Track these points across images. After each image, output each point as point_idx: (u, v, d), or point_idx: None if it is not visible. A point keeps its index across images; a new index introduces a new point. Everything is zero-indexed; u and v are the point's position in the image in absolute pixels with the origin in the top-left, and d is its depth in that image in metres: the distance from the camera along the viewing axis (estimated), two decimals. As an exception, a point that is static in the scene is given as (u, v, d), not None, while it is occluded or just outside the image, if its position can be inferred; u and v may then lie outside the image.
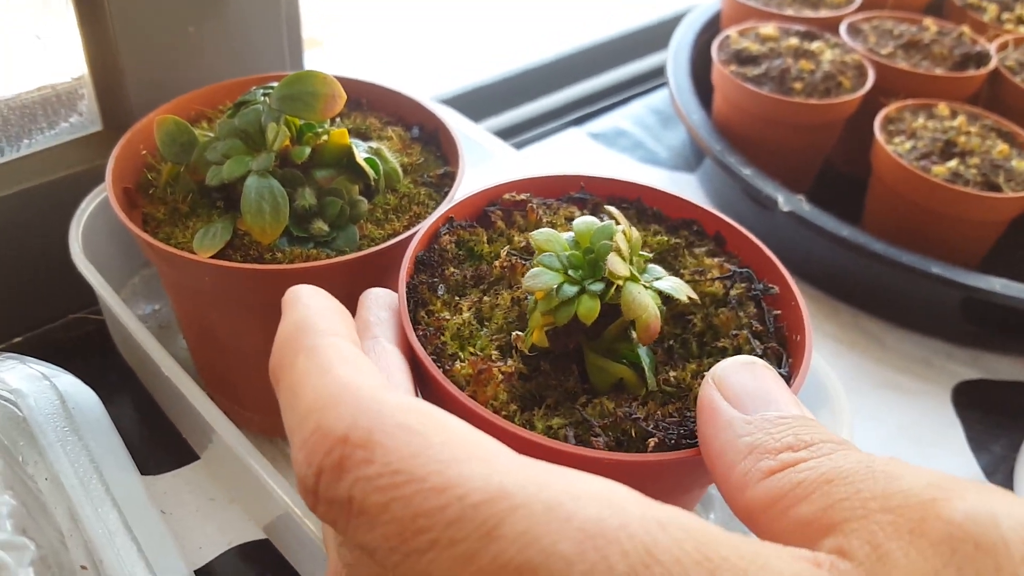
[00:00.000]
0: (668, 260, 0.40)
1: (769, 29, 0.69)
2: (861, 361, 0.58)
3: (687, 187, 0.73)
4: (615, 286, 0.33)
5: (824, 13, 0.73)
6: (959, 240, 0.59)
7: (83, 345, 0.53)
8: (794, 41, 0.68)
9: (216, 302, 0.42)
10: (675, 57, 0.74)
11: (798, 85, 0.63)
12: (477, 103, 0.79)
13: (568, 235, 0.36)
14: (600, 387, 0.35)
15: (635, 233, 0.35)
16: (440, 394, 0.32)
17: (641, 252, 0.36)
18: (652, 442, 0.32)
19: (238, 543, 0.44)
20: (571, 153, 0.75)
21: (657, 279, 0.35)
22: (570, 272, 0.34)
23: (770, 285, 0.38)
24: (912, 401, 0.55)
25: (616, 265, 0.33)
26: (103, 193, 0.50)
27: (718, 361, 0.35)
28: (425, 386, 0.34)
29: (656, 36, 0.88)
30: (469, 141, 0.59)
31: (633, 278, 0.34)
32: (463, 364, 0.34)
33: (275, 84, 0.43)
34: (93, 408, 0.41)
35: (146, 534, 0.37)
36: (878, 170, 0.61)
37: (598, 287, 0.33)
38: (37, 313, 0.53)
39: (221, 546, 0.43)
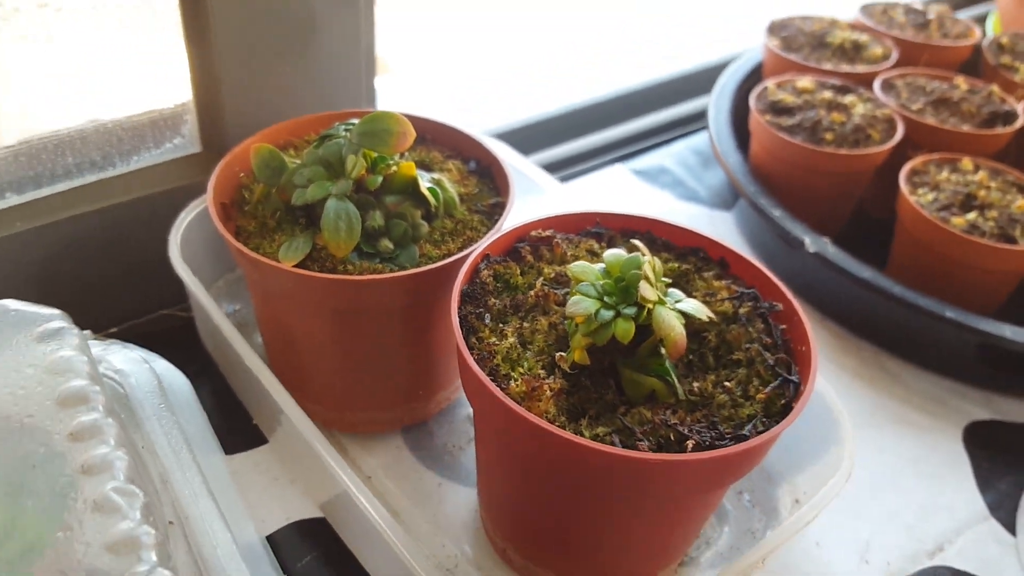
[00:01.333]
0: (681, 284, 0.44)
1: (805, 82, 0.73)
2: (879, 397, 0.61)
3: (723, 225, 0.77)
4: (646, 309, 0.38)
5: (860, 68, 0.77)
6: (977, 287, 0.62)
7: (170, 337, 0.59)
8: (828, 94, 0.72)
9: (293, 305, 0.48)
10: (717, 103, 0.78)
11: (829, 136, 0.67)
12: (530, 137, 0.84)
13: (599, 266, 0.40)
14: (635, 398, 0.39)
15: (658, 262, 0.40)
16: (500, 410, 0.37)
17: (662, 279, 0.41)
18: (690, 444, 0.36)
19: (296, 519, 0.49)
20: (614, 188, 0.80)
21: (678, 301, 0.40)
22: (605, 299, 0.39)
23: (775, 303, 0.43)
24: (924, 437, 0.59)
25: (647, 291, 0.38)
26: (199, 206, 0.56)
27: (734, 372, 0.40)
28: (485, 402, 0.38)
29: (701, 82, 0.92)
30: (519, 174, 0.64)
31: (660, 302, 0.39)
32: (517, 383, 0.38)
33: (355, 120, 0.48)
34: (184, 390, 0.46)
35: (224, 500, 0.42)
36: (902, 219, 0.64)
37: (631, 311, 0.38)
38: (133, 307, 0.59)
39: (281, 520, 0.48)
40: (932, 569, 0.50)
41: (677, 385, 0.39)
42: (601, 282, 0.39)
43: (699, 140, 0.87)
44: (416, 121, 0.53)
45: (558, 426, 0.36)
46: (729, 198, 0.79)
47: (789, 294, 0.43)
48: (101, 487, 0.31)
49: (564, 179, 0.81)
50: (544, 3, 1.29)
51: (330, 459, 0.44)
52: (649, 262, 0.39)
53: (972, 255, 0.60)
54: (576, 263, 0.40)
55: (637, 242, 0.42)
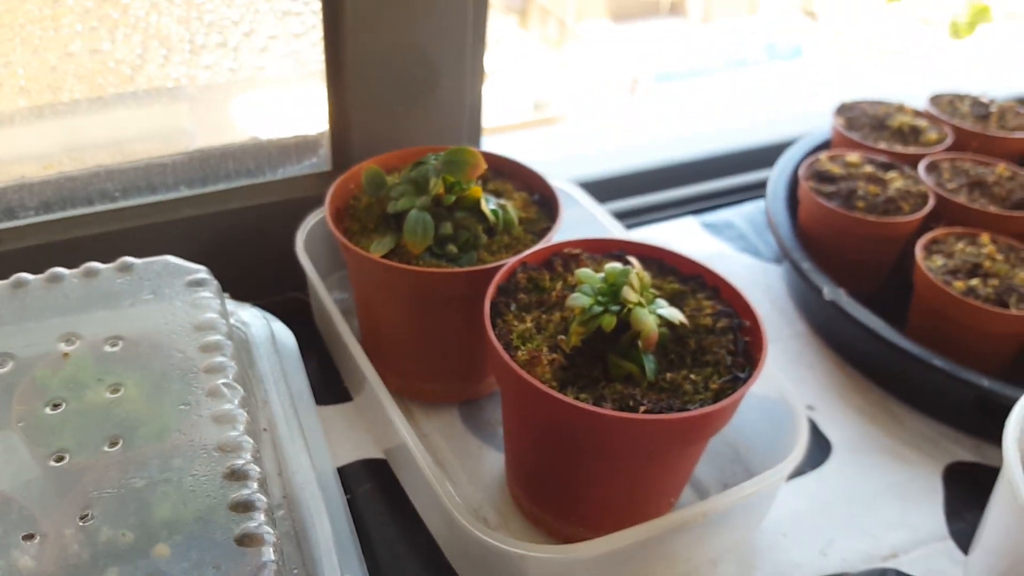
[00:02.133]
0: (677, 301, 0.55)
1: (854, 157, 0.82)
2: (876, 432, 0.69)
3: (773, 277, 0.86)
4: (628, 308, 0.50)
5: (912, 149, 0.86)
6: (980, 347, 0.70)
7: (292, 314, 0.73)
8: (871, 168, 0.80)
9: (379, 290, 0.61)
10: (780, 170, 0.88)
11: (861, 204, 0.76)
12: (619, 186, 0.97)
13: (601, 275, 0.52)
14: (616, 378, 0.50)
15: (647, 275, 0.51)
16: (506, 372, 0.49)
17: (651, 290, 0.52)
18: (642, 408, 0.47)
19: (363, 457, 0.62)
20: (680, 236, 0.90)
21: (660, 308, 0.51)
22: (599, 298, 0.50)
23: (744, 320, 0.53)
24: (908, 468, 0.66)
25: (628, 294, 0.49)
26: (322, 213, 0.70)
27: (703, 371, 0.50)
28: (499, 367, 0.51)
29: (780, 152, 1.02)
30: (590, 217, 0.76)
31: (640, 304, 0.50)
32: (523, 352, 0.51)
33: (443, 153, 0.62)
34: (291, 347, 0.60)
35: (309, 431, 0.55)
36: (916, 281, 0.72)
37: (616, 308, 0.50)
38: (267, 288, 0.74)
39: (351, 457, 0.62)
40: (881, 570, 0.58)
41: (648, 370, 0.50)
42: (598, 286, 0.51)
43: (767, 203, 0.97)
44: (496, 158, 0.66)
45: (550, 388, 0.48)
46: (782, 255, 0.89)
47: (759, 315, 0.53)
48: (214, 381, 0.45)
49: (638, 225, 0.92)
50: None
51: (395, 416, 0.57)
52: (637, 274, 0.51)
53: (968, 316, 0.67)
54: (582, 270, 0.52)
55: (631, 258, 0.53)
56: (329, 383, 0.68)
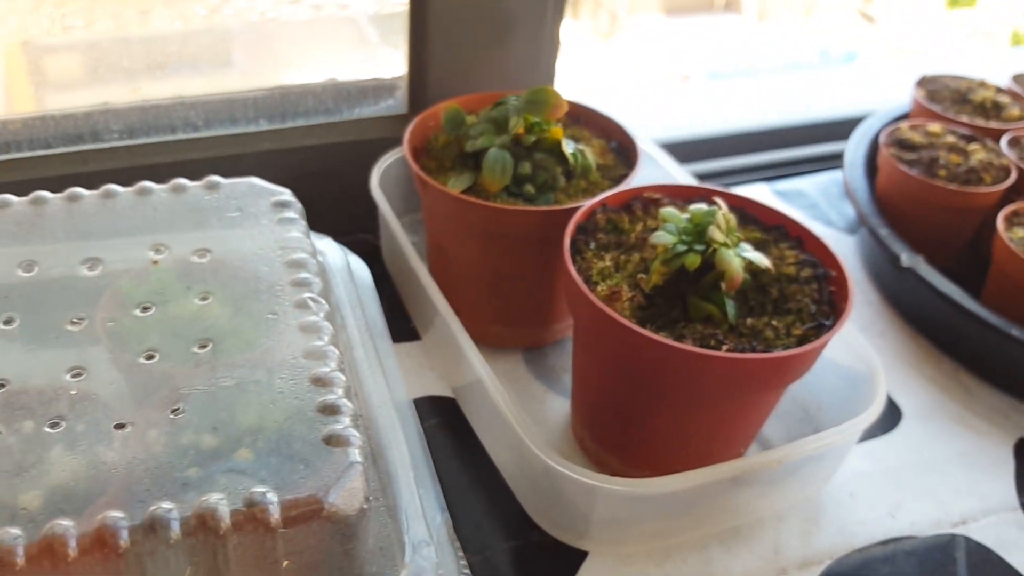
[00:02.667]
0: (759, 250, 0.54)
1: (935, 127, 0.81)
2: (947, 402, 0.68)
3: (846, 247, 0.84)
4: (713, 248, 0.49)
5: (994, 124, 0.83)
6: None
7: (362, 254, 0.74)
8: (952, 139, 0.79)
9: (454, 227, 0.61)
10: (859, 138, 0.87)
11: (942, 172, 0.75)
12: (698, 148, 0.96)
13: (686, 215, 0.51)
14: (695, 319, 0.50)
15: (733, 218, 0.51)
16: (585, 306, 0.49)
17: (736, 234, 0.51)
18: (725, 347, 0.47)
19: (431, 394, 0.62)
20: (750, 202, 0.89)
21: (745, 251, 0.50)
22: (683, 237, 0.50)
23: (830, 270, 0.52)
24: (977, 439, 0.65)
25: (715, 233, 0.49)
26: (397, 154, 0.70)
27: (785, 319, 0.49)
28: (577, 302, 0.50)
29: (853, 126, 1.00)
30: (665, 175, 0.75)
31: (726, 244, 0.49)
32: (603, 288, 0.50)
33: (524, 93, 0.62)
34: (367, 280, 0.60)
35: (387, 362, 0.55)
36: (995, 252, 0.71)
37: (700, 247, 0.49)
38: (338, 226, 0.74)
39: (419, 392, 0.62)
40: (951, 535, 0.57)
41: (730, 313, 0.49)
42: (682, 225, 0.50)
43: (841, 174, 0.95)
44: (574, 105, 0.66)
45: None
46: (855, 225, 0.87)
47: (844, 265, 0.52)
48: (300, 295, 0.45)
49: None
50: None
51: (469, 350, 0.57)
52: (724, 215, 0.50)
53: (1050, 288, 0.66)
54: (666, 208, 0.51)
55: (719, 199, 0.52)
56: (396, 323, 0.68)
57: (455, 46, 0.71)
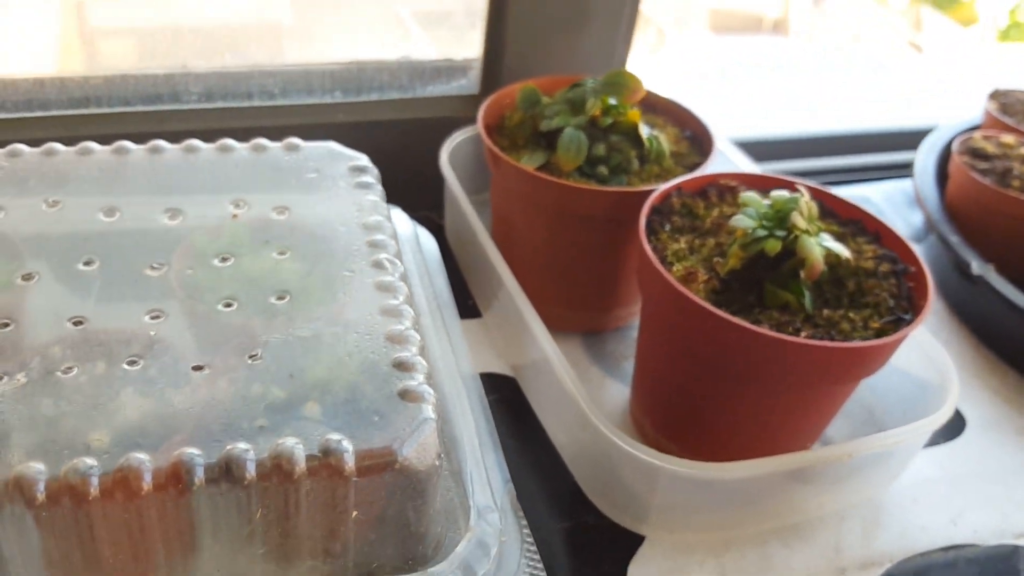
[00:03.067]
0: (837, 242, 0.53)
1: (1009, 139, 0.78)
2: (1011, 413, 0.65)
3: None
4: (794, 235, 0.48)
5: (1071, 139, 0.81)
6: None
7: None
8: (1027, 151, 0.76)
9: (523, 204, 0.60)
10: (930, 146, 0.84)
11: (1016, 183, 0.72)
12: (773, 149, 0.94)
13: (767, 202, 0.50)
14: (771, 306, 0.48)
15: (815, 207, 0.49)
16: (659, 285, 0.48)
17: (817, 223, 0.50)
18: (803, 334, 0.45)
19: (489, 371, 0.61)
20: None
21: (825, 241, 0.49)
22: (763, 222, 0.49)
23: (909, 266, 0.50)
24: (1045, 454, 0.63)
25: (797, 219, 0.47)
26: (467, 133, 0.70)
27: (862, 312, 0.48)
28: (651, 281, 0.49)
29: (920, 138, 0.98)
30: (736, 169, 0.74)
31: (807, 232, 0.48)
32: (678, 268, 0.49)
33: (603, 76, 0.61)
34: (434, 251, 0.60)
35: (454, 333, 0.55)
36: (1071, 266, 0.68)
37: (782, 233, 0.48)
38: (403, 204, 0.74)
39: (480, 369, 0.61)
40: (1014, 547, 0.55)
41: (807, 301, 0.48)
42: (763, 210, 0.49)
43: (909, 184, 0.93)
44: (649, 93, 0.65)
45: (703, 306, 0.46)
46: (920, 233, 0.85)
47: (923, 262, 0.50)
48: (377, 255, 0.45)
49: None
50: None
51: (535, 326, 0.55)
52: (806, 202, 0.49)
53: None
54: (747, 193, 0.50)
55: (802, 187, 0.51)
56: (457, 300, 0.67)
57: (532, 29, 0.70)
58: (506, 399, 0.60)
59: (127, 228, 0.45)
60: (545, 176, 0.56)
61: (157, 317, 0.40)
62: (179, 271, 0.43)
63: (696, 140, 0.64)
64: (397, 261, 0.45)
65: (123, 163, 0.49)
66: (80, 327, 0.39)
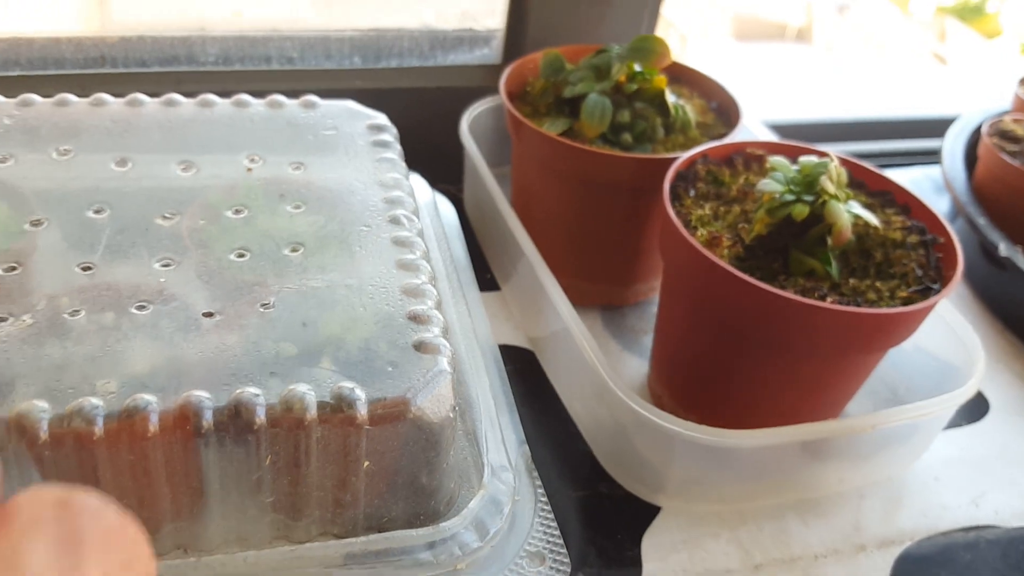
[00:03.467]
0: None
1: (1042, 121, 0.76)
2: (1036, 400, 0.64)
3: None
4: (823, 200, 0.46)
5: (1104, 124, 0.79)
6: None
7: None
8: (1060, 134, 0.75)
9: (543, 172, 0.59)
10: (959, 129, 0.83)
11: (1048, 165, 0.71)
12: (798, 132, 0.92)
13: (795, 167, 0.48)
14: (796, 273, 0.47)
15: (844, 173, 0.48)
16: (683, 249, 0.46)
17: (846, 190, 0.48)
18: (829, 300, 0.44)
19: (507, 343, 0.60)
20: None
21: (854, 207, 0.47)
22: (791, 187, 0.47)
23: (937, 236, 0.49)
24: (1072, 439, 0.61)
25: (827, 184, 0.46)
26: (488, 104, 0.68)
27: (889, 283, 0.46)
28: (674, 246, 0.48)
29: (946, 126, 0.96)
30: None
31: (836, 197, 0.46)
32: (702, 233, 0.48)
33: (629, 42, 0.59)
34: (452, 219, 0.59)
35: (471, 298, 0.53)
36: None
37: (809, 198, 0.46)
38: (421, 173, 0.73)
39: (498, 341, 0.60)
40: (1040, 530, 0.53)
41: (833, 269, 0.46)
42: (791, 175, 0.47)
43: (935, 170, 0.91)
44: (677, 65, 0.63)
45: (727, 271, 0.45)
46: (949, 217, 0.83)
47: (953, 233, 0.49)
48: (394, 212, 0.43)
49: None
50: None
51: (556, 296, 0.54)
52: (836, 167, 0.47)
53: None
54: (775, 157, 0.48)
55: (831, 152, 0.49)
56: (476, 273, 0.66)
57: (556, 1, 0.68)
58: (523, 370, 0.58)
59: (139, 178, 0.44)
60: (568, 141, 0.55)
61: (168, 265, 0.39)
62: (191, 222, 0.42)
63: (723, 112, 0.62)
64: (414, 217, 0.44)
65: (137, 115, 0.48)
66: (89, 272, 0.38)
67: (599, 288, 0.63)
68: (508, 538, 0.38)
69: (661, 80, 0.57)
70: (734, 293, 0.44)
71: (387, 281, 0.39)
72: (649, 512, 0.50)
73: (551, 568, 0.39)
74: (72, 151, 0.45)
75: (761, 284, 0.43)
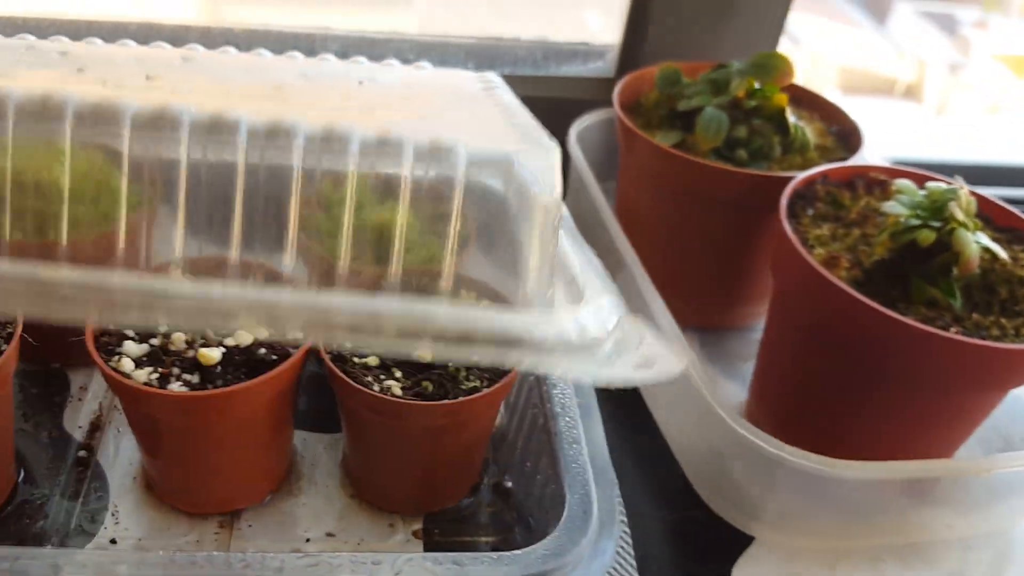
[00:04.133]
0: (993, 247, 0.48)
1: None
2: None
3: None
4: (951, 228, 0.44)
5: None
6: None
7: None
8: None
9: (653, 185, 0.58)
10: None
11: None
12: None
13: (922, 192, 0.46)
14: (916, 302, 0.44)
15: (973, 202, 0.45)
16: (799, 269, 0.45)
17: (975, 219, 0.46)
18: (953, 330, 0.41)
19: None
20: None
21: (982, 238, 0.45)
22: (918, 211, 0.45)
23: (1070, 277, 0.46)
24: None
25: (955, 211, 0.44)
26: (598, 117, 0.68)
27: (1015, 320, 0.44)
28: (788, 265, 0.46)
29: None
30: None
31: (965, 225, 0.44)
32: (820, 252, 0.46)
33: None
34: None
35: None
36: None
37: (936, 224, 0.44)
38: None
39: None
40: None
41: (957, 299, 0.44)
42: (917, 199, 0.45)
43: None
44: (797, 88, 0.62)
45: (845, 295, 0.43)
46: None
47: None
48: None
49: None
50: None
51: (657, 309, 0.53)
52: (966, 194, 0.45)
53: None
54: (901, 180, 0.46)
55: (961, 181, 0.47)
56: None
57: (676, 17, 0.68)
58: (616, 391, 0.57)
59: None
60: (680, 153, 0.54)
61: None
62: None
63: (843, 137, 0.60)
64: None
65: (296, 62, 0.47)
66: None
67: (699, 309, 0.62)
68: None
69: (782, 98, 0.56)
70: (852, 317, 0.42)
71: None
72: (742, 541, 0.48)
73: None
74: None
75: (883, 309, 0.41)
